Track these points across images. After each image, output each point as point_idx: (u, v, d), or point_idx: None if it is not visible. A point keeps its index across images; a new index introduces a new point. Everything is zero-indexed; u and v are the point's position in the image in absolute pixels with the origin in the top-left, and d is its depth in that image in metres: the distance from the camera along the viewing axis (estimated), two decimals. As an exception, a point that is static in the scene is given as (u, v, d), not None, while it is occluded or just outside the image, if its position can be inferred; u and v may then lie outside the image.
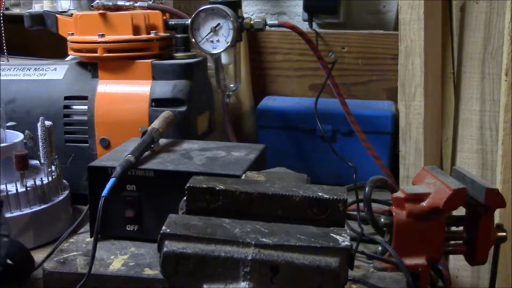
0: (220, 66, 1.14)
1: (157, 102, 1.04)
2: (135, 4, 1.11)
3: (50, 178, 0.96)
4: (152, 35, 1.08)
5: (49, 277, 0.79)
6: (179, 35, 1.11)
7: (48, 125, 0.97)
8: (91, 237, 0.89)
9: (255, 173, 0.76)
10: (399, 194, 0.79)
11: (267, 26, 1.12)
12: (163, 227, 0.56)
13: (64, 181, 1.03)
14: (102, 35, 1.06)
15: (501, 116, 1.08)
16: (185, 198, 0.64)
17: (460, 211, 0.84)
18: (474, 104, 1.16)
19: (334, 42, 1.49)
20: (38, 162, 1.00)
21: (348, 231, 0.58)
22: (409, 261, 0.77)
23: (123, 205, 0.87)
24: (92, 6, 1.10)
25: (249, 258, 0.53)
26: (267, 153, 1.02)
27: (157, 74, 1.06)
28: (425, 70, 1.16)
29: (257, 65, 1.55)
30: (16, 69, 1.15)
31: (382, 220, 0.80)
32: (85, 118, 1.08)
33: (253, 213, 0.62)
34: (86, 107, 1.08)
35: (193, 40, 1.08)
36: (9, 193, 0.90)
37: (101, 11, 1.08)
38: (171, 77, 1.05)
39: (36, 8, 1.60)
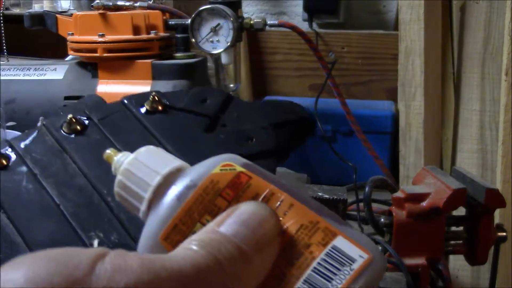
0: (220, 66, 1.14)
1: (157, 102, 1.04)
2: (135, 4, 1.11)
3: (50, 178, 0.96)
4: (152, 35, 1.08)
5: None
6: (179, 35, 1.11)
7: (48, 125, 0.97)
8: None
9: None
10: (399, 194, 0.79)
11: (267, 26, 1.12)
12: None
13: (64, 181, 1.02)
14: (102, 35, 1.06)
15: (501, 116, 1.08)
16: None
17: (460, 211, 0.84)
18: (474, 104, 1.16)
19: (334, 42, 1.49)
20: (38, 162, 1.00)
21: (348, 231, 0.58)
22: (409, 261, 0.77)
23: (123, 205, 0.87)
24: (92, 6, 1.10)
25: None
26: (267, 153, 1.02)
27: (157, 74, 1.06)
28: (425, 70, 1.16)
29: (257, 65, 1.55)
30: (16, 69, 1.15)
31: (382, 220, 0.80)
32: (85, 118, 1.07)
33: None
34: (86, 107, 1.08)
35: (193, 40, 1.08)
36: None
37: (101, 11, 1.08)
38: (171, 77, 1.05)
39: (36, 8, 1.60)
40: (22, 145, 0.38)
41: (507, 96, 1.05)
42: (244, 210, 0.24)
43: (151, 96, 0.39)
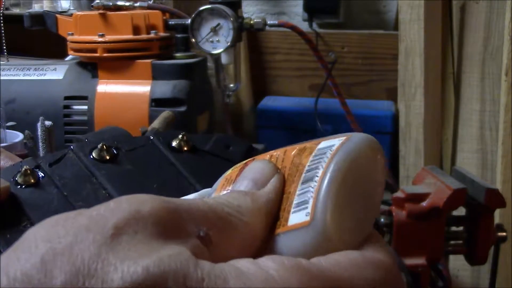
0: (220, 66, 1.14)
1: (157, 102, 1.04)
2: (135, 4, 1.11)
3: (50, 178, 0.96)
4: (152, 35, 1.08)
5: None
6: (179, 35, 1.11)
7: (48, 125, 0.97)
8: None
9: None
10: (399, 194, 0.79)
11: (267, 26, 1.12)
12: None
13: (64, 181, 1.02)
14: (102, 35, 1.06)
15: (501, 116, 1.08)
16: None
17: (460, 211, 0.84)
18: (474, 104, 1.16)
19: (334, 42, 1.49)
20: (38, 162, 1.00)
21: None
22: (409, 261, 0.77)
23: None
24: (92, 6, 1.10)
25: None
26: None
27: (157, 74, 1.06)
28: (425, 70, 1.16)
29: (257, 65, 1.55)
30: (16, 69, 1.15)
31: (382, 220, 0.80)
32: (85, 118, 1.08)
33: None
34: (86, 107, 1.08)
35: (193, 40, 1.08)
36: (9, 193, 0.90)
37: (101, 11, 1.08)
38: (171, 77, 1.05)
39: (36, 8, 1.60)
40: (49, 165, 0.38)
41: (507, 96, 1.05)
42: (244, 170, 0.29)
43: (181, 135, 0.39)
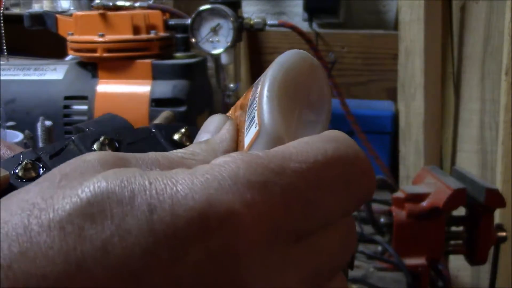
0: (220, 66, 1.14)
1: (157, 102, 1.04)
2: (135, 4, 1.11)
3: (50, 178, 0.96)
4: (152, 35, 1.08)
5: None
6: (179, 35, 1.11)
7: (48, 125, 0.97)
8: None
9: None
10: (399, 194, 0.79)
11: (267, 26, 1.12)
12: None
13: (64, 181, 1.02)
14: (102, 35, 1.06)
15: (501, 116, 1.08)
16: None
17: (460, 211, 0.84)
18: (474, 104, 1.16)
19: (334, 42, 1.49)
20: (38, 162, 1.00)
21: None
22: (409, 261, 0.77)
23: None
24: (92, 6, 1.10)
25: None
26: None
27: (157, 74, 1.06)
28: (425, 70, 1.16)
29: (257, 65, 1.55)
30: (16, 69, 1.15)
31: (382, 220, 0.80)
32: (85, 118, 1.08)
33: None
34: (86, 107, 1.08)
35: (193, 40, 1.08)
36: (9, 193, 0.90)
37: (101, 11, 1.08)
38: (171, 77, 1.05)
39: (36, 8, 1.60)
40: (50, 157, 0.38)
41: (507, 96, 1.05)
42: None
43: (184, 129, 0.39)
